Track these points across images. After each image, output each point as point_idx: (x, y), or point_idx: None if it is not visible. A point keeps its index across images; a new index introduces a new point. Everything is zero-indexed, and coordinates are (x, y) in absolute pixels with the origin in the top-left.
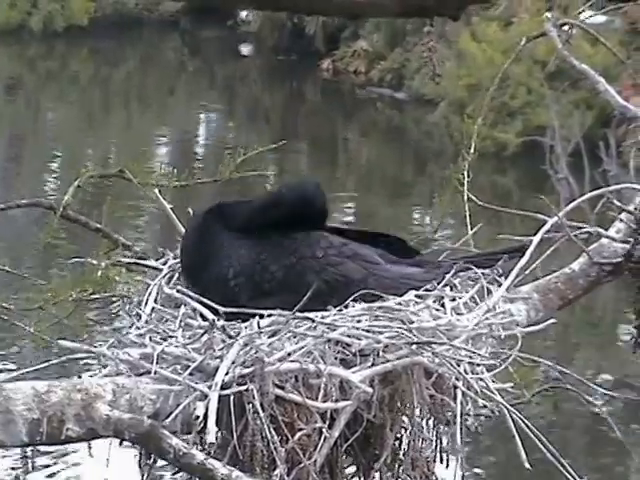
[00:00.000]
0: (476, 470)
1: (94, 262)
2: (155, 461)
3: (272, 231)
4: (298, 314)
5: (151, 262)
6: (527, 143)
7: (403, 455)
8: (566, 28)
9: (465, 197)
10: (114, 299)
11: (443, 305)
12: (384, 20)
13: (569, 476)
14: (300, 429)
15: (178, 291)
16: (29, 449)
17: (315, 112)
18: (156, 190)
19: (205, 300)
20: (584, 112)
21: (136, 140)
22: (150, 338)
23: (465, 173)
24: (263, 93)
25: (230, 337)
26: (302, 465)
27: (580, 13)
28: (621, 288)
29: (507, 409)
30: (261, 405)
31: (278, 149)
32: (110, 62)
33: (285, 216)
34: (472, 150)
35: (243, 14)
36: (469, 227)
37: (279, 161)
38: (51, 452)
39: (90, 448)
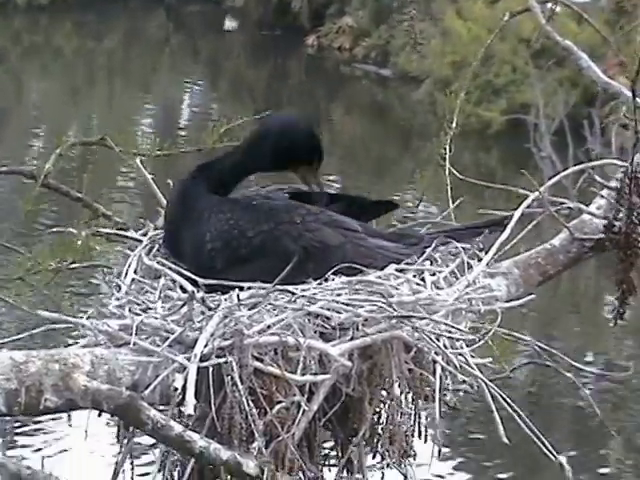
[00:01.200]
0: (456, 447)
1: (74, 232)
2: (133, 433)
3: (253, 195)
4: (278, 287)
5: (131, 233)
6: (511, 121)
7: (381, 430)
8: (550, 4)
9: (447, 171)
10: (94, 269)
11: (423, 279)
12: None
13: (548, 453)
14: (279, 402)
15: (158, 262)
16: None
17: (299, 88)
18: (138, 159)
19: (185, 272)
20: (568, 91)
21: (119, 113)
22: (129, 309)
23: (447, 147)
24: (247, 68)
25: (209, 309)
26: (280, 438)
27: None
28: (602, 266)
29: (486, 384)
30: (240, 378)
31: None
32: (94, 36)
33: (271, 153)
34: (454, 124)
35: None
36: (450, 201)
37: None
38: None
39: (70, 418)
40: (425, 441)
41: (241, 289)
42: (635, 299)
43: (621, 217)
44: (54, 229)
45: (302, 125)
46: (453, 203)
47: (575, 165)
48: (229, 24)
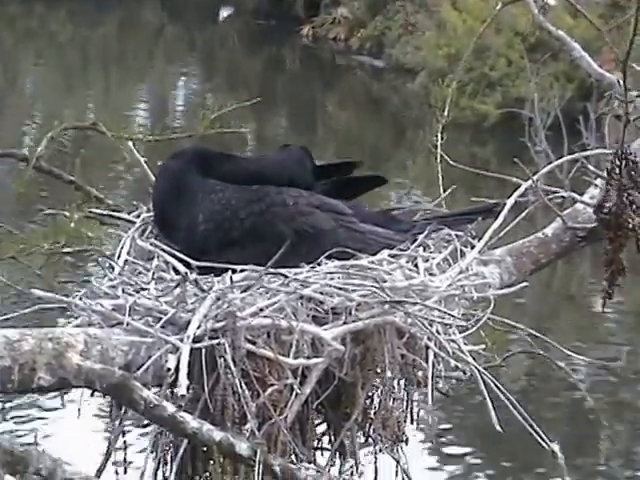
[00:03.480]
0: (450, 436)
1: (67, 214)
2: (126, 412)
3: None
4: (271, 270)
5: (124, 215)
6: (506, 115)
7: (374, 414)
8: None
9: (438, 158)
10: (87, 251)
11: (416, 265)
12: None
13: (540, 440)
14: (271, 385)
15: (151, 244)
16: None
17: (294, 78)
18: (130, 143)
19: (178, 253)
20: (564, 85)
21: (113, 100)
22: (123, 290)
23: (439, 135)
24: (242, 58)
25: (202, 291)
26: (273, 421)
27: None
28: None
29: (478, 371)
30: (233, 360)
31: (256, 115)
32: (89, 24)
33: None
34: (446, 113)
35: None
36: (441, 188)
37: (257, 127)
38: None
39: (62, 397)
40: (417, 426)
41: (234, 271)
42: (625, 282)
43: (611, 198)
44: (47, 211)
45: (299, 177)
46: (445, 192)
47: (570, 152)
48: (224, 13)
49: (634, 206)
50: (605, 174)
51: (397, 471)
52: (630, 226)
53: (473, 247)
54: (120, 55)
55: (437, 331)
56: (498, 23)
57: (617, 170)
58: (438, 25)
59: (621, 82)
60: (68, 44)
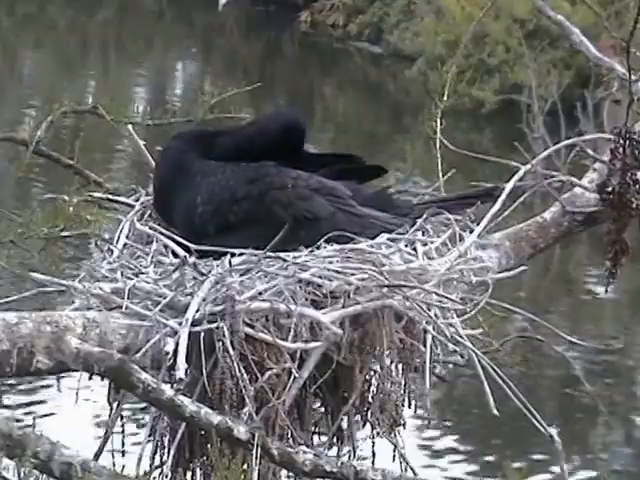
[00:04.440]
0: (446, 419)
1: (66, 198)
2: (124, 396)
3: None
4: (270, 254)
5: (123, 199)
6: (504, 101)
7: (372, 398)
8: None
9: (437, 144)
10: (85, 236)
11: (415, 249)
12: None
13: (538, 425)
14: (269, 369)
15: (150, 227)
16: None
17: (292, 64)
18: (130, 127)
19: (177, 237)
20: (562, 72)
21: (113, 85)
22: (122, 273)
23: (437, 121)
24: (240, 43)
25: (201, 274)
26: (271, 404)
27: None
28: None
29: (476, 355)
30: (231, 343)
31: (254, 101)
32: (88, 9)
33: (267, 146)
34: (445, 98)
35: None
36: (440, 174)
37: (255, 112)
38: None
39: (59, 382)
40: (415, 411)
41: (233, 255)
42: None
43: (615, 178)
44: (46, 196)
45: (298, 126)
46: (443, 176)
47: (567, 137)
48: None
49: (637, 186)
50: (608, 154)
51: (395, 455)
52: (634, 206)
53: (472, 231)
54: (119, 39)
55: (435, 315)
56: (497, 9)
57: (620, 150)
58: (437, 12)
59: (620, 66)
60: (67, 28)
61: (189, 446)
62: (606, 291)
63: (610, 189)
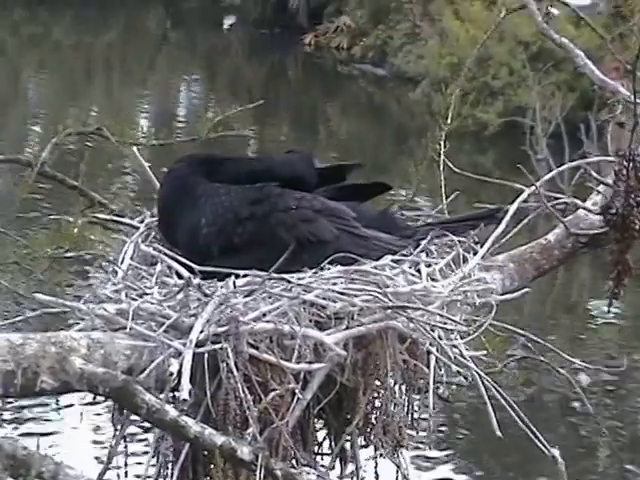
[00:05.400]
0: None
1: (70, 220)
2: (128, 416)
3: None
4: (274, 275)
5: (127, 220)
6: (508, 124)
7: (375, 419)
8: (546, 4)
9: (441, 165)
10: (90, 257)
11: (419, 271)
12: None
13: (540, 445)
14: (273, 389)
15: (154, 249)
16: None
17: (296, 87)
18: (134, 148)
19: (181, 258)
20: (566, 94)
21: (117, 106)
22: (126, 294)
23: (441, 143)
24: (245, 66)
25: (205, 295)
26: (274, 425)
27: None
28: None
29: (480, 376)
30: (235, 364)
31: (258, 123)
32: (93, 30)
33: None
34: (449, 120)
35: None
36: (444, 196)
37: (260, 135)
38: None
39: (58, 401)
40: (417, 432)
41: (237, 276)
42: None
43: (618, 199)
44: (50, 217)
45: (306, 177)
46: (447, 198)
47: (571, 160)
48: (228, 22)
49: None
50: (612, 176)
51: (397, 476)
52: (637, 227)
53: (476, 253)
54: (124, 61)
55: (439, 336)
56: (501, 32)
57: (624, 172)
58: (440, 34)
59: (624, 89)
60: (72, 50)
61: (192, 467)
62: (608, 311)
63: (614, 211)
